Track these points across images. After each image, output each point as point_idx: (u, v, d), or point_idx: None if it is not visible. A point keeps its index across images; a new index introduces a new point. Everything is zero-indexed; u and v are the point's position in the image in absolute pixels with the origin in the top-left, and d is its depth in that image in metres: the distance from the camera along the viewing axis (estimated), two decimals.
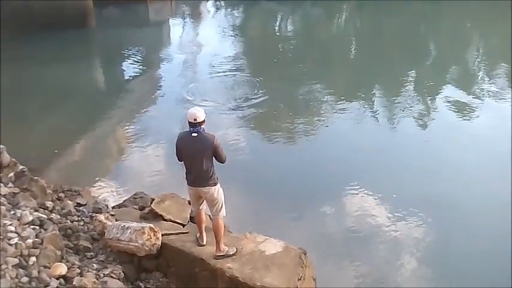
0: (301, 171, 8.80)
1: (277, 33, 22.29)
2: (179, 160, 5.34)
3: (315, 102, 12.17)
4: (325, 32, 22.10)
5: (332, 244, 6.98)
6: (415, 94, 12.96)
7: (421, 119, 11.22)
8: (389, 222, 7.35)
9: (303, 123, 10.95)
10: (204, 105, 10.76)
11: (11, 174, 6.13)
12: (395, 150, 9.62)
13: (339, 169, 8.87)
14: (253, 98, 12.15)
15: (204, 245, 5.60)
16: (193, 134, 5.05)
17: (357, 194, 8.04)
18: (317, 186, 8.26)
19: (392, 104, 12.23)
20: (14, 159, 6.27)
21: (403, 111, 11.74)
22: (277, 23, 24.34)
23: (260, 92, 12.50)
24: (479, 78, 14.67)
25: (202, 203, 5.52)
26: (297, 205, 7.78)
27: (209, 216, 5.68)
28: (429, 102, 12.38)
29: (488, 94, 12.83)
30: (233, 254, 5.42)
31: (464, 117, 11.25)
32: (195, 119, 5.01)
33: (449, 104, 12.08)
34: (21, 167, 6.25)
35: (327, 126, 10.87)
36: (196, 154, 5.11)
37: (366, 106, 11.98)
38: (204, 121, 5.07)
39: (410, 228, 7.24)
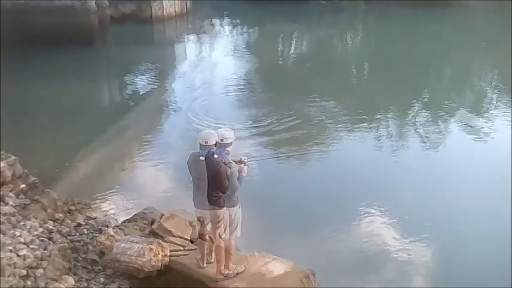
0: (311, 191, 8.72)
1: (292, 53, 22.46)
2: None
3: (327, 122, 12.15)
4: (339, 53, 22.19)
5: (341, 266, 6.86)
6: (428, 116, 12.87)
7: (434, 141, 11.12)
8: (401, 245, 7.22)
9: (314, 143, 10.91)
10: (214, 124, 10.89)
11: (23, 185, 6.18)
12: (408, 172, 9.50)
13: (350, 190, 8.77)
14: (264, 117, 12.15)
15: (204, 267, 5.50)
16: (201, 158, 5.01)
17: (368, 215, 7.94)
18: (327, 207, 8.17)
19: (405, 126, 12.15)
20: (26, 171, 6.33)
21: (416, 133, 11.66)
22: (292, 43, 24.54)
23: (272, 111, 12.51)
24: (493, 100, 14.55)
25: (208, 224, 5.45)
26: (307, 225, 7.69)
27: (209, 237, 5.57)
28: (442, 124, 12.28)
29: (501, 116, 12.70)
30: (240, 273, 5.37)
31: (478, 140, 11.12)
32: (206, 142, 4.99)
33: (462, 126, 12.00)
34: (33, 178, 6.31)
35: (338, 146, 10.79)
36: (201, 177, 5.06)
37: (378, 128, 11.91)
38: (215, 144, 4.99)
39: (422, 251, 7.10)
